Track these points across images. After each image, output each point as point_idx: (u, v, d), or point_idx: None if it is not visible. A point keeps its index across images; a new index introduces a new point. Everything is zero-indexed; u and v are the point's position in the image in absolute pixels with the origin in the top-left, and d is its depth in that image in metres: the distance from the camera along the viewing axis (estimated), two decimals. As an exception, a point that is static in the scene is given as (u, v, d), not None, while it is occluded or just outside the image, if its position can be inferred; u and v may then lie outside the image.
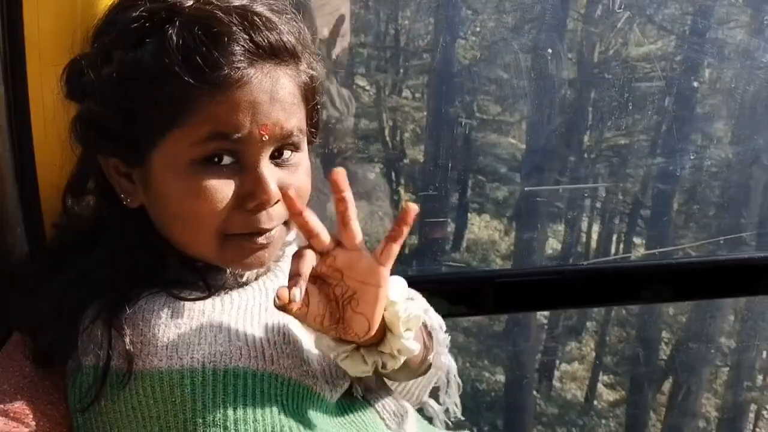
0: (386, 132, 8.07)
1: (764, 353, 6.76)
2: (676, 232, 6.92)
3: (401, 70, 8.08)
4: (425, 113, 7.56)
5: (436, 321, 1.25)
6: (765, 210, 5.98)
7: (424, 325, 1.20)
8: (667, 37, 6.58)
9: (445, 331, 1.27)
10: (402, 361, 1.06)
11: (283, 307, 0.91)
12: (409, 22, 7.68)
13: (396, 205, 7.66)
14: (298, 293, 0.90)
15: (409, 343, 1.04)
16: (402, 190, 7.63)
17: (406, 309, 1.03)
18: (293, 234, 1.11)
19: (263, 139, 0.97)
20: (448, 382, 1.31)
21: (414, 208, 0.94)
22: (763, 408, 6.75)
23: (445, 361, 1.26)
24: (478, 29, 7.14)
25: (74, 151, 1.07)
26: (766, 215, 5.97)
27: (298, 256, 0.94)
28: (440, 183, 7.21)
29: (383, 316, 1.02)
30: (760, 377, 6.88)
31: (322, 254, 0.95)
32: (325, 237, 0.95)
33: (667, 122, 6.13)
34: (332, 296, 0.98)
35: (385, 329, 1.04)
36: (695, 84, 6.24)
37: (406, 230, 0.95)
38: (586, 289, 1.73)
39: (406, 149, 7.85)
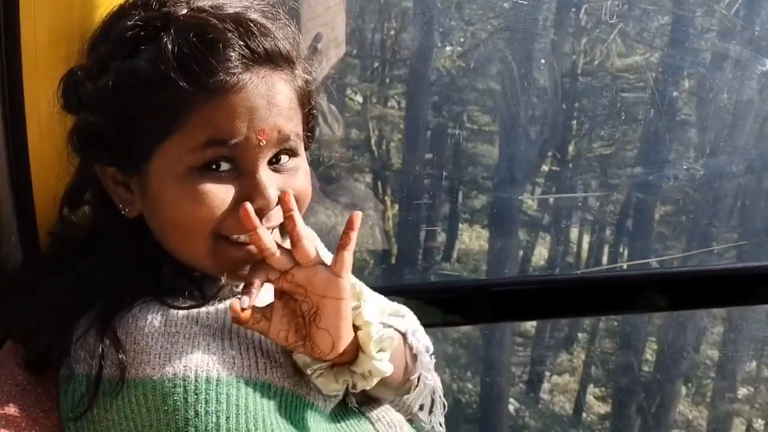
0: (374, 142, 8.07)
1: (754, 363, 6.78)
2: (664, 242, 6.94)
3: (389, 80, 8.10)
4: (415, 123, 7.58)
5: (422, 343, 1.25)
6: (759, 220, 6.00)
7: (410, 347, 1.21)
8: (656, 48, 6.61)
9: (432, 354, 1.27)
10: (374, 383, 1.06)
11: (237, 319, 0.94)
12: (396, 32, 7.70)
13: (383, 216, 7.66)
14: (246, 300, 0.93)
15: (381, 364, 1.04)
16: (392, 200, 7.63)
17: (378, 330, 1.04)
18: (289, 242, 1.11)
19: (260, 144, 0.97)
20: (433, 401, 1.31)
21: (358, 215, 0.96)
22: (754, 419, 6.76)
23: (429, 383, 1.26)
24: (462, 40, 7.19)
25: (71, 161, 1.07)
26: (760, 225, 5.99)
27: (252, 270, 0.97)
28: (433, 192, 7.21)
29: (357, 336, 1.03)
30: (750, 388, 6.89)
31: (282, 271, 0.98)
32: (280, 255, 0.97)
33: (657, 132, 6.15)
34: (299, 312, 0.99)
35: (358, 349, 1.04)
36: (685, 94, 6.28)
37: (353, 236, 0.97)
38: (581, 299, 1.73)
39: (395, 159, 7.86)
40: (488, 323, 5.52)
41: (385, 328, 1.06)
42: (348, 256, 0.97)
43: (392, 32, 7.73)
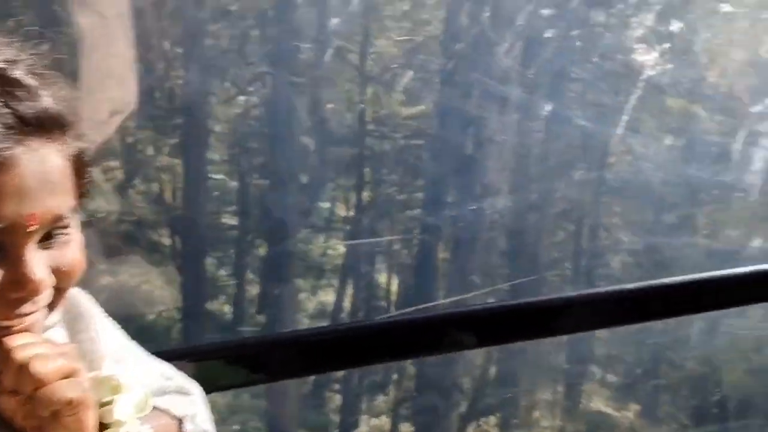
0: (165, 193, 7.86)
1: (548, 394, 7.13)
2: (465, 280, 7.20)
3: (176, 130, 7.97)
4: (203, 173, 7.52)
5: (201, 429, 1.18)
6: (548, 255, 6.35)
7: None
8: (438, 96, 6.90)
9: None
10: None
11: None
12: (179, 82, 7.62)
13: (179, 269, 7.44)
14: None
15: None
16: (187, 253, 7.46)
17: (129, 429, 0.96)
18: (57, 315, 1.00)
19: (30, 228, 0.87)
20: None
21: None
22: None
23: None
24: (250, 88, 7.22)
25: None
26: (550, 259, 6.34)
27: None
28: (233, 245, 7.11)
29: None
30: (546, 413, 7.23)
31: None
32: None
33: (443, 176, 6.37)
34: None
35: None
36: (469, 138, 6.58)
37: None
38: (391, 343, 1.71)
39: (188, 211, 7.71)
40: (297, 378, 5.45)
41: (142, 426, 0.97)
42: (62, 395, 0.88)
43: (178, 81, 7.62)
